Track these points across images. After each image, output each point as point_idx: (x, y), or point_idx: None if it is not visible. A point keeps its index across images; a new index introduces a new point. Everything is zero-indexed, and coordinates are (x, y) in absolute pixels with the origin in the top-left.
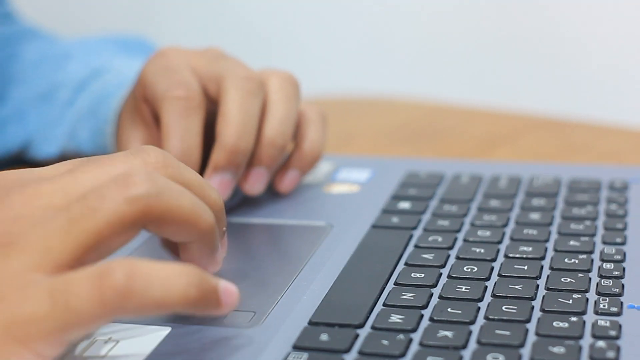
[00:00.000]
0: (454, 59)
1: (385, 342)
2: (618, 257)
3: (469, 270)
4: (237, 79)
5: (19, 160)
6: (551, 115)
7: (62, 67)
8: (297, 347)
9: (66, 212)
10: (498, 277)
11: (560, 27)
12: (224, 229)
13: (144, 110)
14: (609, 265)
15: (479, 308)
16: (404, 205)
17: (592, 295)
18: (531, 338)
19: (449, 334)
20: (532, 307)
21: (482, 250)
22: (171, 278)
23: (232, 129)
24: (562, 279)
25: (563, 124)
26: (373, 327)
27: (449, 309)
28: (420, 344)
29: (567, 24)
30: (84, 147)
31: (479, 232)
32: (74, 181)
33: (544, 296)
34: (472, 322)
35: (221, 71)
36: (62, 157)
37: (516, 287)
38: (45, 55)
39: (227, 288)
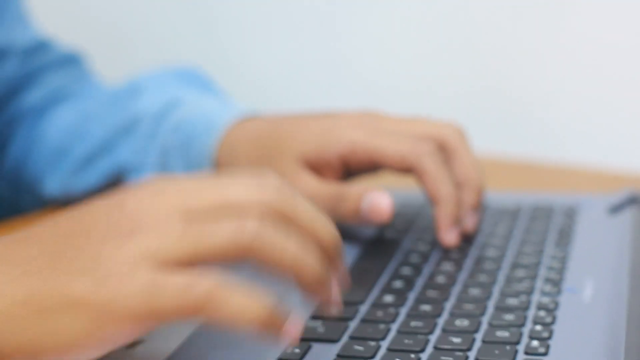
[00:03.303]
0: (441, 111)
1: (370, 330)
2: (561, 254)
3: (440, 279)
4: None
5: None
6: (522, 157)
7: (135, 101)
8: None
9: (187, 224)
10: (468, 278)
11: (535, 83)
12: (339, 265)
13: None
14: (555, 262)
15: (445, 305)
16: (394, 227)
17: (539, 282)
18: (484, 327)
19: (420, 324)
20: (486, 305)
21: (454, 256)
22: (246, 305)
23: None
24: (516, 273)
25: (532, 164)
26: (362, 320)
27: (420, 307)
28: (398, 331)
29: (542, 81)
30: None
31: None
32: (201, 193)
33: (499, 290)
34: (439, 315)
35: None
36: None
37: (475, 290)
38: (117, 91)
39: (294, 322)
